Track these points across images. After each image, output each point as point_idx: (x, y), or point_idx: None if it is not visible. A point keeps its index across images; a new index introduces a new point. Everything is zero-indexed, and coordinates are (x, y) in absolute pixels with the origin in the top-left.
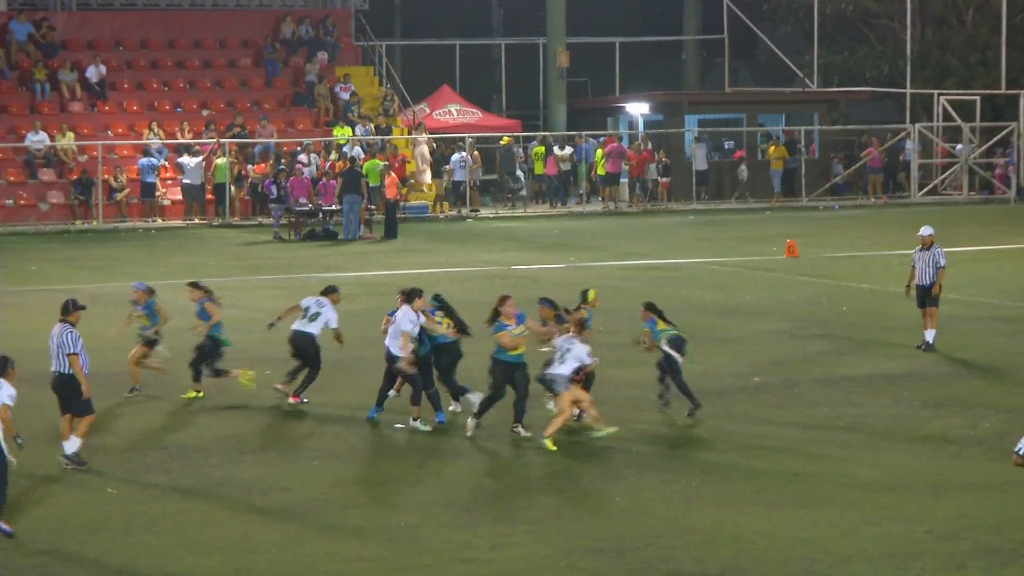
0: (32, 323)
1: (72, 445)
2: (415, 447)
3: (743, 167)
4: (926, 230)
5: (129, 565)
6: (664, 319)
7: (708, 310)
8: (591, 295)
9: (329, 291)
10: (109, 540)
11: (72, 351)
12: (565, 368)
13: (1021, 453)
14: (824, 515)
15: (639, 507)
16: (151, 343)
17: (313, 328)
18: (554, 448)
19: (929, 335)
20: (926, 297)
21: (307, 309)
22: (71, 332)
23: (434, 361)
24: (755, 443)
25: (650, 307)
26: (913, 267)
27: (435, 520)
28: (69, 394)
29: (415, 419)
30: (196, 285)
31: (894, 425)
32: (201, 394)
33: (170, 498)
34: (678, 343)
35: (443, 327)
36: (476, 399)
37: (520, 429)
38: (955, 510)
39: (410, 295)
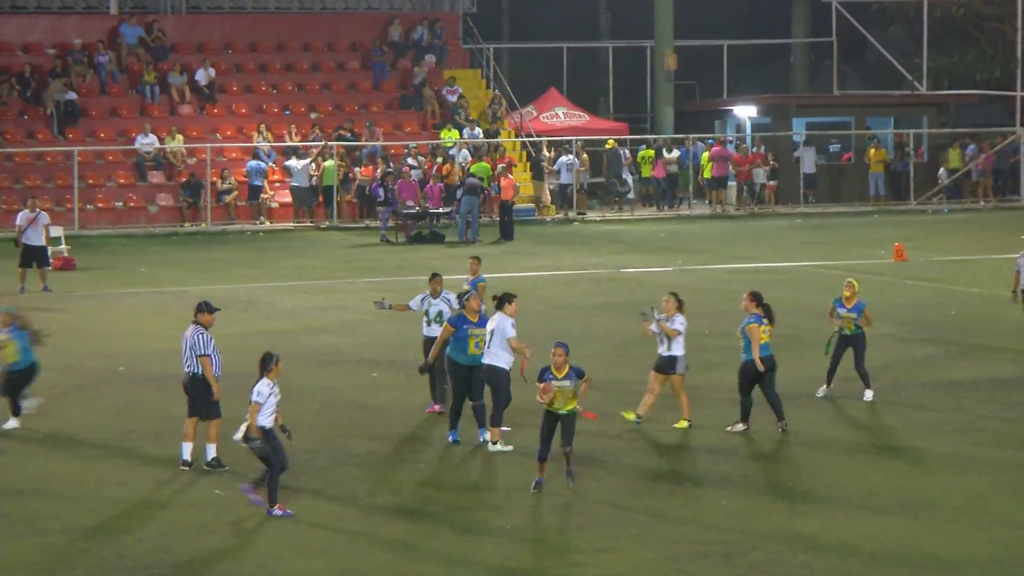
0: (142, 325)
1: (211, 452)
2: (520, 451)
3: (942, 170)
4: None
5: (236, 566)
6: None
7: (815, 313)
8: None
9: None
10: (217, 541)
11: (203, 352)
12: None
13: None
14: (932, 520)
15: (745, 511)
16: None
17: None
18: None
19: None
20: None
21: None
22: (203, 334)
23: (19, 377)
24: (862, 447)
25: (477, 258)
26: (1018, 272)
27: (540, 523)
28: (200, 395)
29: (495, 442)
30: None
31: (1003, 429)
32: None
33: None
34: None
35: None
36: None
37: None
38: None
39: (502, 300)
